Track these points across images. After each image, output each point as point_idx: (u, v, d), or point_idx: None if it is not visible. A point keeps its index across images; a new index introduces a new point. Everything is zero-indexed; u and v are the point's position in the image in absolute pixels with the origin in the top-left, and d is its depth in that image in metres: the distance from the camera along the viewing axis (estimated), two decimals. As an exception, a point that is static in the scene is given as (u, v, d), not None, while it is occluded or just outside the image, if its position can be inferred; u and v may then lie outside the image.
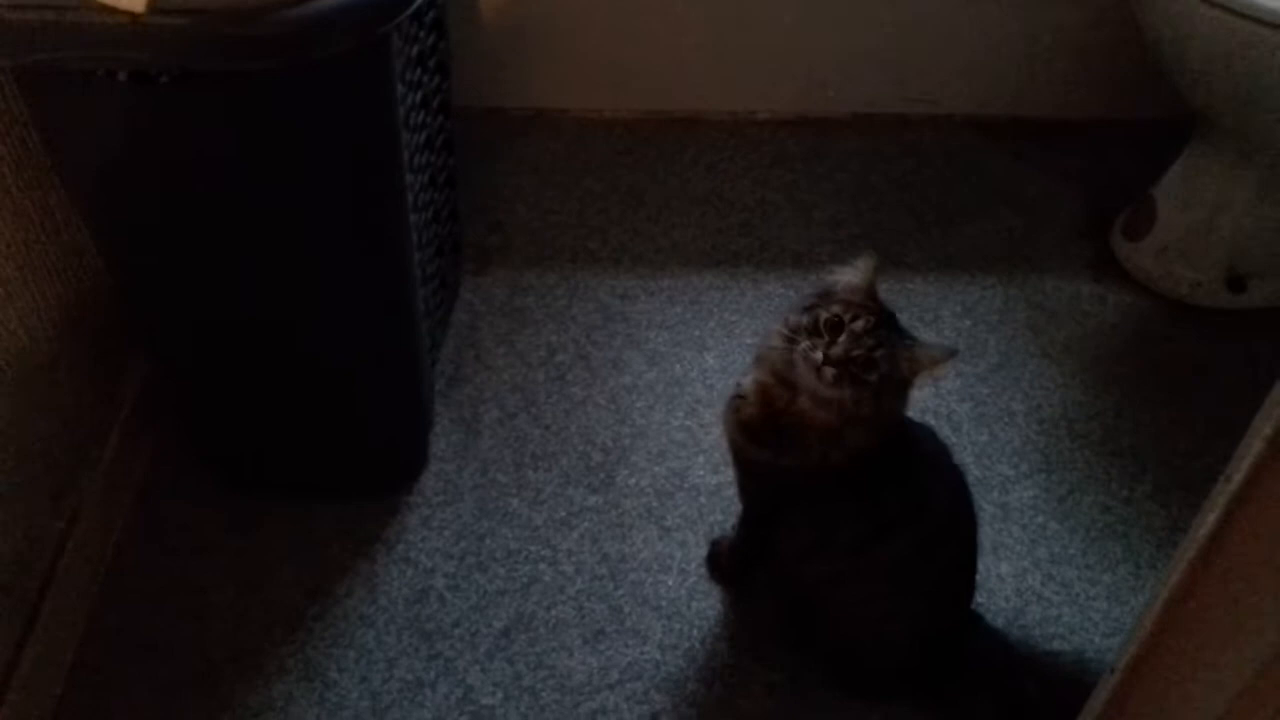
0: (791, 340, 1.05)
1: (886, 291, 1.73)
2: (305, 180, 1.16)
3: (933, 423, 1.52)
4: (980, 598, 1.28)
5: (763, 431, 1.12)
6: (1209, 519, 0.69)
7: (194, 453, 1.45)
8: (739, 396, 1.14)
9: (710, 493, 1.43)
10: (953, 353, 1.06)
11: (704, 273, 1.75)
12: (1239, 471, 0.66)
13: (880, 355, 1.03)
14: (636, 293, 1.72)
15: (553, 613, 1.32)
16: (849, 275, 1.08)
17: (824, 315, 1.04)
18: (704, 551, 1.38)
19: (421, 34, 1.30)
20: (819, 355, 1.02)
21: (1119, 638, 1.30)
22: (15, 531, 1.18)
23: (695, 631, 1.31)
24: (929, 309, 1.70)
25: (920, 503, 1.15)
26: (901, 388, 1.07)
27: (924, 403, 1.55)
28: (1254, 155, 1.58)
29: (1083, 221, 1.84)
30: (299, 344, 1.31)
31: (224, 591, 1.33)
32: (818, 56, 1.95)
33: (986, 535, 1.37)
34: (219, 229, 1.17)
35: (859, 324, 1.03)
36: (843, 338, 1.03)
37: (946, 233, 1.82)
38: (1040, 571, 1.37)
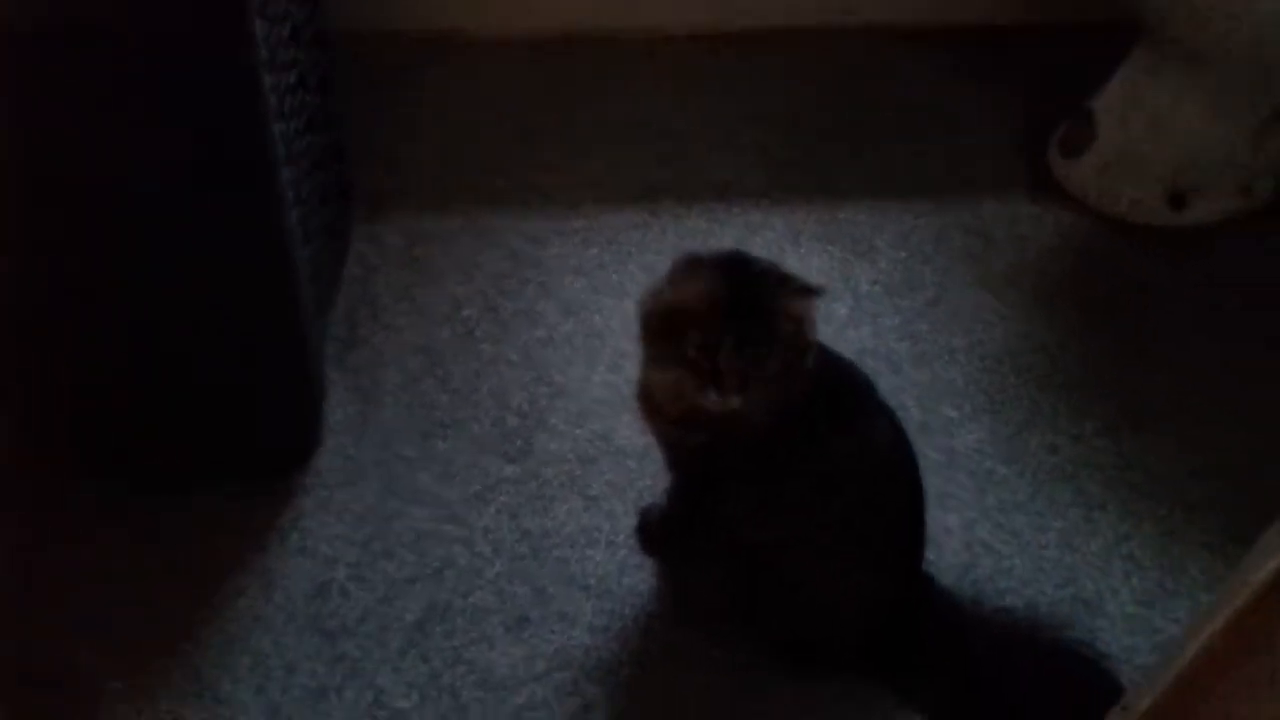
0: (664, 373, 1.00)
1: (817, 223, 1.65)
2: (156, 134, 1.01)
3: (870, 364, 1.42)
4: (929, 553, 1.19)
5: (689, 423, 1.03)
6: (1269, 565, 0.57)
7: (51, 435, 1.29)
8: (648, 387, 1.06)
9: (638, 455, 1.32)
10: (815, 289, 0.99)
11: (622, 210, 1.61)
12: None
13: (767, 350, 0.96)
14: (548, 236, 1.57)
15: (470, 600, 1.20)
16: (681, 290, 0.99)
17: (690, 353, 0.96)
18: (633, 522, 1.27)
19: (279, -47, 1.13)
20: (714, 399, 0.97)
21: (1071, 588, 1.23)
22: None
23: (627, 610, 1.20)
24: (862, 239, 1.58)
25: (862, 444, 1.06)
26: (799, 337, 0.99)
27: (861, 343, 1.45)
28: (1203, 66, 1.48)
29: (1018, 138, 1.74)
30: (165, 312, 1.16)
31: (92, 596, 1.19)
32: (733, -34, 1.79)
33: (933, 485, 1.28)
34: (69, 189, 1.03)
35: (727, 345, 0.96)
36: (722, 363, 0.95)
37: (877, 155, 1.70)
38: (989, 521, 1.29)
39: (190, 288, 1.14)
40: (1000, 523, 1.29)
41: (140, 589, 1.19)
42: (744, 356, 0.95)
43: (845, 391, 1.09)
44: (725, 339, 0.95)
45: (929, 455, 1.32)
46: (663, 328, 1.00)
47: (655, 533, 1.25)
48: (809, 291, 0.99)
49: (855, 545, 1.08)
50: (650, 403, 1.07)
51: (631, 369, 1.39)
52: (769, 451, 1.04)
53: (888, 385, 1.38)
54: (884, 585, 1.11)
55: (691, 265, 1.00)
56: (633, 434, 1.33)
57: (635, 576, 1.23)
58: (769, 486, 1.06)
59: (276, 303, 1.20)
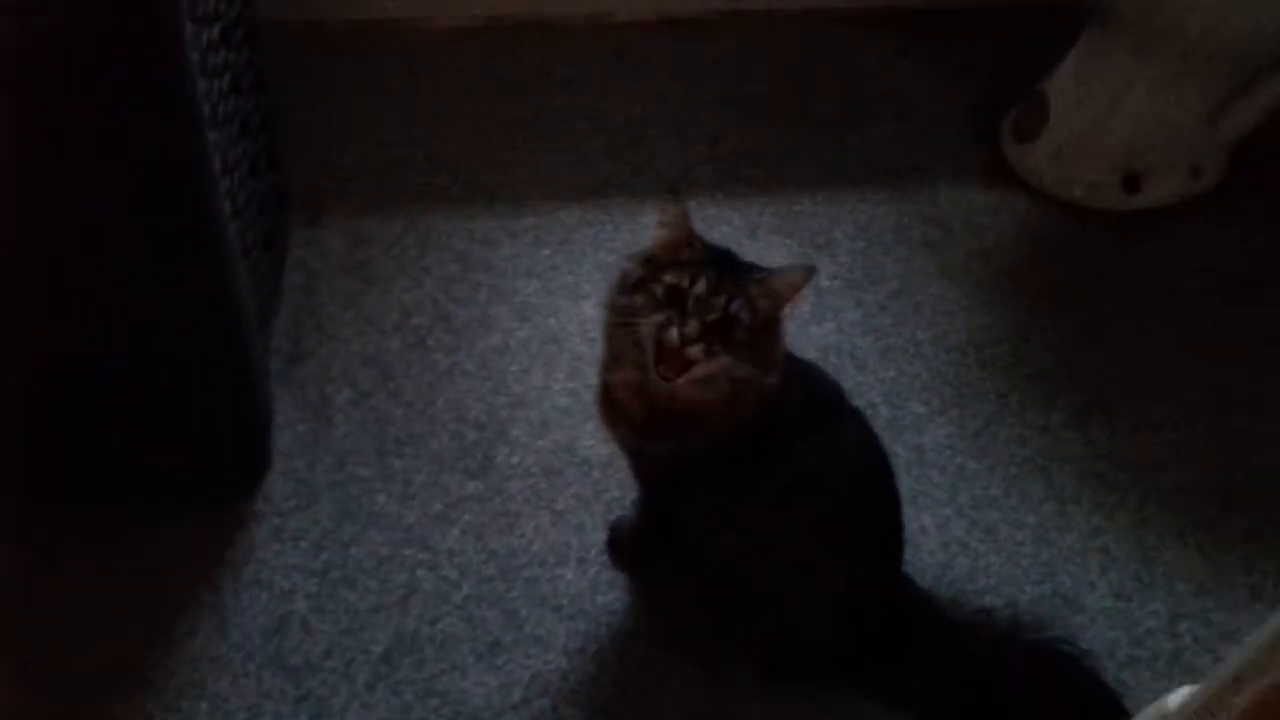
0: (629, 325, 0.94)
1: (774, 216, 1.62)
2: (86, 147, 0.93)
3: (835, 361, 1.40)
4: (905, 554, 1.17)
5: (653, 426, 1.00)
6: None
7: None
8: (608, 388, 1.02)
9: (603, 465, 1.27)
10: (810, 270, 0.96)
11: (572, 207, 1.56)
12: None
13: (737, 308, 0.93)
14: (498, 236, 1.51)
15: (438, 627, 1.15)
16: (663, 233, 0.97)
17: (659, 290, 0.94)
18: (603, 536, 1.22)
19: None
20: (674, 335, 0.92)
21: (1049, 584, 1.22)
22: None
23: (603, 630, 1.16)
24: (820, 232, 1.55)
25: (830, 447, 1.03)
26: (772, 326, 0.96)
27: (824, 339, 1.42)
28: (1155, 46, 1.47)
29: (972, 122, 1.72)
30: (101, 334, 1.08)
31: (35, 645, 1.11)
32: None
33: (905, 483, 1.25)
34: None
35: (700, 286, 0.93)
36: (691, 307, 0.92)
37: (833, 143, 1.67)
38: (964, 519, 1.27)
39: (124, 305, 1.07)
40: (975, 520, 1.27)
41: (86, 633, 1.12)
42: (715, 307, 0.92)
43: (812, 398, 1.06)
44: (702, 275, 0.92)
45: (899, 453, 1.30)
46: (639, 278, 0.95)
47: (626, 547, 1.21)
48: (808, 270, 0.96)
49: (828, 553, 1.05)
50: (612, 407, 1.03)
51: (591, 374, 1.35)
52: (734, 460, 1.01)
53: (853, 383, 1.36)
54: (861, 592, 1.09)
55: (680, 220, 0.96)
56: (597, 443, 1.29)
57: (609, 595, 1.19)
58: (736, 497, 1.03)
59: (216, 320, 1.12)
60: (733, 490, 1.03)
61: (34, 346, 1.09)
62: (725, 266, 0.96)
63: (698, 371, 0.92)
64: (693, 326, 0.92)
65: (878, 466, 1.08)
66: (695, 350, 0.92)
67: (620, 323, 0.96)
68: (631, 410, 1.01)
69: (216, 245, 1.07)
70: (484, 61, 1.73)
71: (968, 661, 1.10)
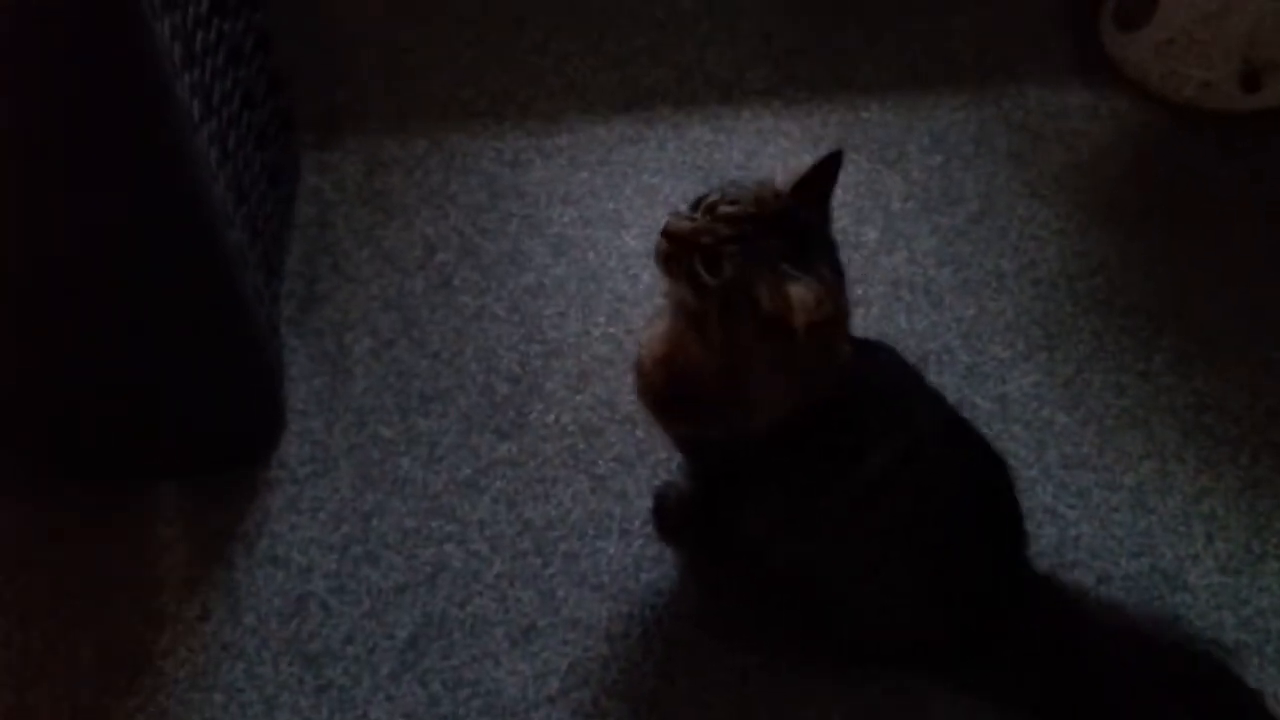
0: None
1: (838, 125, 1.44)
2: (49, 88, 0.79)
3: (907, 297, 1.25)
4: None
5: (672, 401, 0.89)
6: None
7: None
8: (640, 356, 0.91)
9: (648, 422, 1.15)
10: (828, 293, 0.78)
11: (611, 121, 1.39)
12: None
13: (732, 254, 0.78)
14: (530, 156, 1.36)
15: (468, 609, 1.06)
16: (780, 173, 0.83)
17: (705, 200, 0.82)
18: (648, 504, 1.11)
19: None
20: (683, 221, 0.81)
21: (1148, 558, 1.09)
22: None
23: (648, 612, 1.06)
24: (892, 144, 1.37)
25: (907, 446, 0.89)
26: (773, 328, 0.78)
27: (895, 271, 1.27)
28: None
29: (1063, 7, 1.51)
30: (87, 286, 0.96)
31: (32, 630, 1.03)
32: None
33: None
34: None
35: (728, 208, 0.80)
36: (698, 215, 0.80)
37: (902, 39, 1.47)
38: (1052, 481, 1.13)
39: (111, 264, 0.94)
40: (1064, 482, 1.13)
41: (88, 616, 1.04)
42: (715, 233, 0.79)
43: (880, 389, 0.91)
44: (748, 207, 0.80)
45: (978, 404, 1.16)
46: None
47: (674, 517, 1.09)
48: (827, 293, 0.78)
49: (910, 555, 0.92)
50: (643, 377, 0.91)
51: (634, 316, 1.23)
52: (791, 458, 0.88)
53: (927, 322, 1.22)
54: (957, 586, 0.95)
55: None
56: (642, 398, 1.16)
57: (654, 571, 1.08)
58: (798, 499, 0.90)
59: (206, 265, 1.00)
60: (793, 491, 0.90)
61: (26, 315, 0.98)
62: (784, 229, 0.80)
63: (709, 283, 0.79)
64: (679, 224, 0.80)
65: (964, 459, 0.94)
66: (661, 245, 0.81)
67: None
68: (651, 377, 0.89)
69: (194, 180, 0.93)
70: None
71: (1092, 654, 0.97)
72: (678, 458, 1.09)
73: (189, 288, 0.99)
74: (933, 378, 1.01)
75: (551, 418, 1.17)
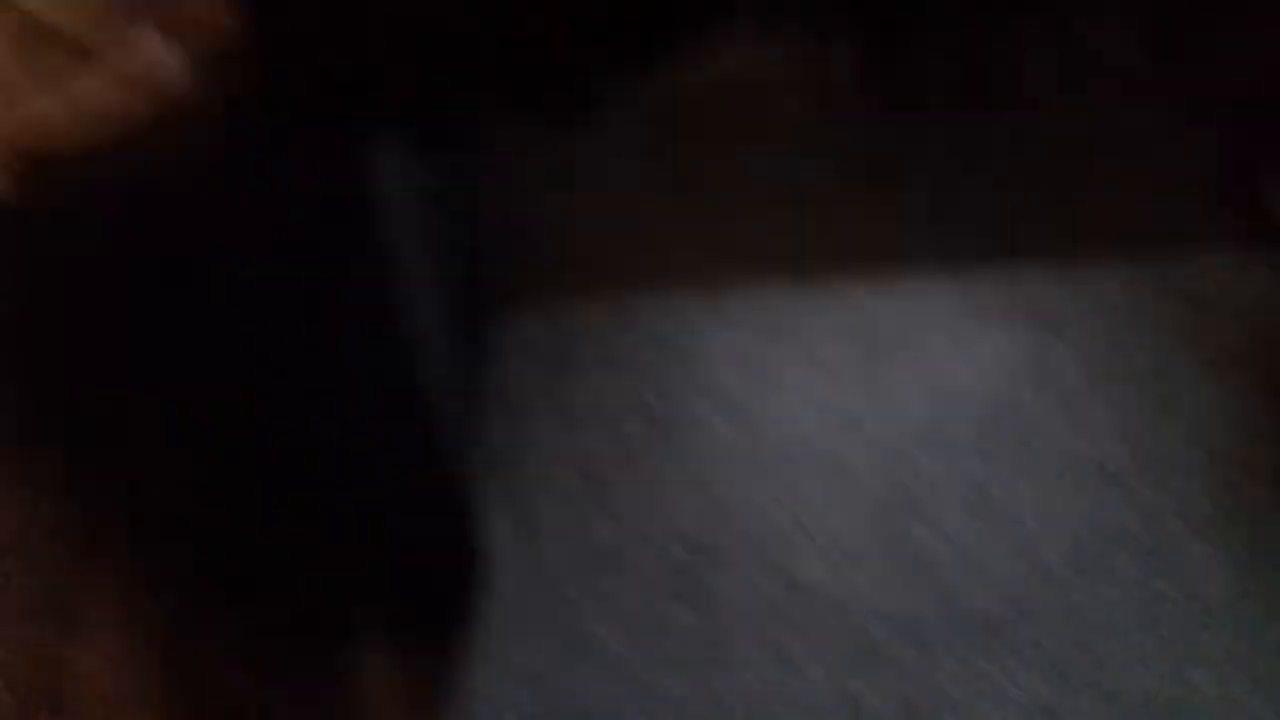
0: None
1: (994, 293, 1.45)
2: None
3: (1079, 476, 1.25)
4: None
5: None
6: None
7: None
8: None
9: (831, 601, 1.17)
10: None
11: (767, 283, 1.44)
12: None
13: None
14: (699, 320, 1.41)
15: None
16: None
17: None
18: (843, 685, 1.12)
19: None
20: None
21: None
22: None
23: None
24: (1054, 313, 1.39)
25: None
26: None
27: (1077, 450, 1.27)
28: None
29: (1221, 172, 1.52)
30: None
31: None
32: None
33: (1169, 634, 1.12)
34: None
35: None
36: None
37: (1064, 205, 1.50)
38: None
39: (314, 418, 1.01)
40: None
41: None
42: None
43: None
44: None
45: (1169, 598, 1.15)
46: None
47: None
48: None
49: None
50: None
51: (805, 483, 1.25)
52: None
53: (1104, 504, 1.22)
54: None
55: None
56: (821, 568, 1.18)
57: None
58: None
59: (409, 422, 1.06)
60: None
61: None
62: None
63: None
64: None
65: None
66: None
67: None
68: None
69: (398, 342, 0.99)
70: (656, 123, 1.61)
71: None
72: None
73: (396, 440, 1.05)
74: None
75: (730, 588, 1.19)
